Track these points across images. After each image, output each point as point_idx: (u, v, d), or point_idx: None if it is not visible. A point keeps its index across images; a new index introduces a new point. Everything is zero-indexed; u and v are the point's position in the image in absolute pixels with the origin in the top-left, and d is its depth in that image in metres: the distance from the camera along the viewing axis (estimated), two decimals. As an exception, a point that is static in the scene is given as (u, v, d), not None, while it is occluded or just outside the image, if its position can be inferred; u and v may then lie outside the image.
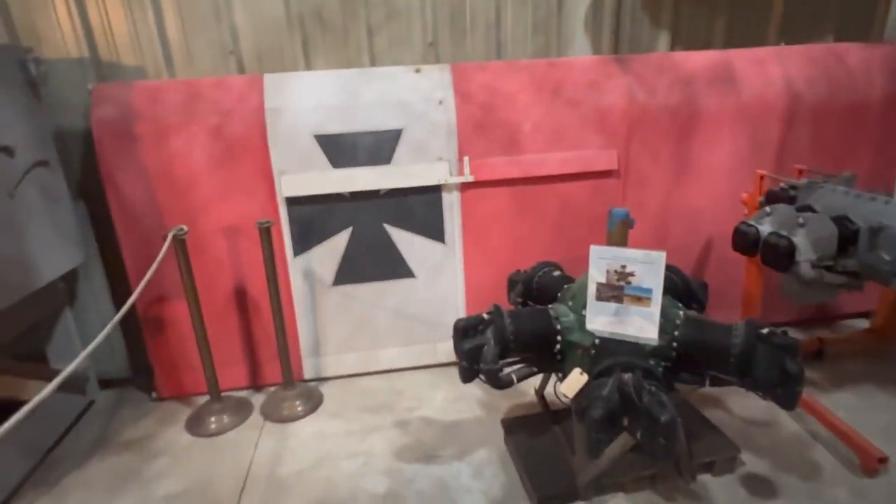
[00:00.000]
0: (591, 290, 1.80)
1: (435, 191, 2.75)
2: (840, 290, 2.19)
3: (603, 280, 1.78)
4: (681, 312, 1.92)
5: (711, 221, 3.01)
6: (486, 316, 2.00)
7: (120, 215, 2.55)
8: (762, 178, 2.48)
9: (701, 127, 2.88)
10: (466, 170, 2.71)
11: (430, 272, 2.88)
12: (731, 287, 2.99)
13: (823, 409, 2.32)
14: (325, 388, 2.89)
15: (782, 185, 2.36)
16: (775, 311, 3.23)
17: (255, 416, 2.68)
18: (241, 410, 2.69)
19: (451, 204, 2.78)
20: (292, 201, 2.65)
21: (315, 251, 2.75)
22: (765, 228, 2.12)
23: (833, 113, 2.94)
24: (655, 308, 1.72)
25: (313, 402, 2.73)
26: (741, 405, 2.54)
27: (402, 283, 2.87)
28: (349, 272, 2.81)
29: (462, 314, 2.92)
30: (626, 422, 1.59)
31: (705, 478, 2.11)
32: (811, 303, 2.29)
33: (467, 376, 1.96)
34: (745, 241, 2.16)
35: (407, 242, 2.81)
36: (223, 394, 2.76)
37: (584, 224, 2.92)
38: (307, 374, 2.93)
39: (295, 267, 2.75)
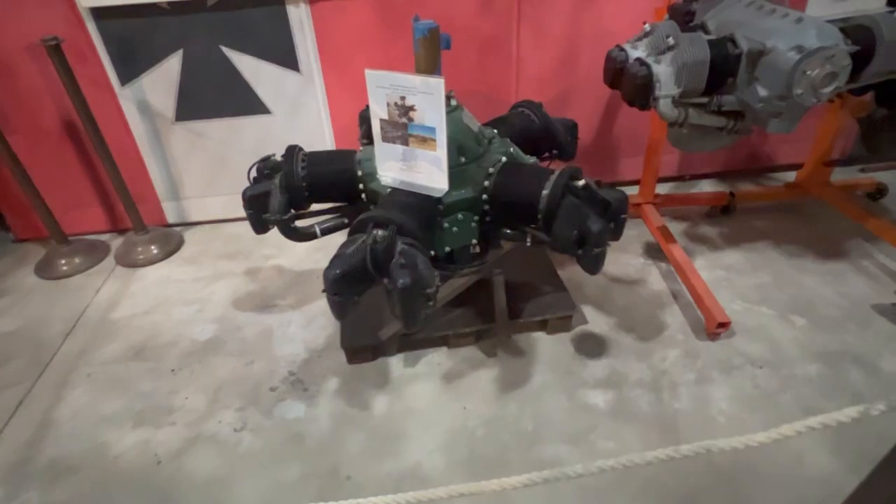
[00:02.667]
0: (375, 128, 1.47)
1: (278, 2, 2.24)
2: (731, 136, 1.82)
3: (385, 116, 1.43)
4: (502, 158, 1.60)
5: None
6: (279, 158, 1.70)
7: None
8: (671, -14, 1.93)
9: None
10: (312, -26, 2.17)
11: (288, 107, 2.50)
12: (641, 133, 2.59)
13: (690, 269, 2.11)
14: (190, 234, 2.74)
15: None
16: (696, 161, 2.87)
17: (109, 261, 2.57)
18: (94, 254, 2.57)
19: (301, 20, 2.29)
20: (99, 14, 2.18)
21: (145, 80, 2.35)
22: (636, 53, 1.67)
23: None
24: (441, 152, 1.40)
25: (170, 247, 2.60)
26: (614, 261, 2.35)
27: (257, 121, 2.52)
28: (192, 106, 2.44)
29: (331, 157, 2.61)
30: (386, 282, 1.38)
31: (538, 335, 1.99)
32: (700, 151, 1.93)
33: (256, 226, 1.73)
34: (611, 71, 1.73)
35: (253, 70, 2.39)
36: (76, 237, 2.63)
37: (473, 47, 2.43)
38: (170, 219, 2.76)
39: (126, 98, 2.39)
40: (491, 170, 1.56)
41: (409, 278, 1.23)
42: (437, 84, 1.28)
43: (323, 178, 1.67)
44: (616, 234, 1.50)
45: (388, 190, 1.56)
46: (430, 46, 1.46)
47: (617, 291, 2.20)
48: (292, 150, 1.68)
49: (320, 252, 2.52)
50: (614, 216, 1.46)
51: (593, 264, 1.45)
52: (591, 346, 1.94)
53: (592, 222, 1.39)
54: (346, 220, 1.82)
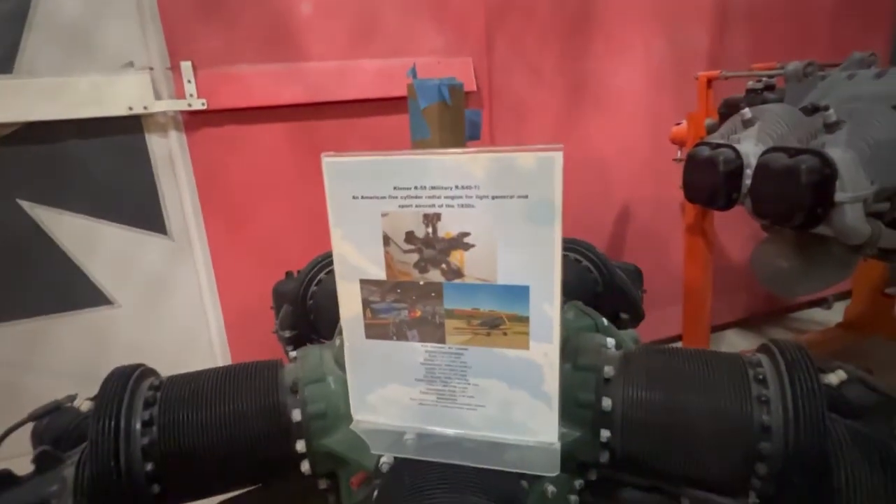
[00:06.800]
0: (349, 304, 0.56)
1: (131, 129, 1.40)
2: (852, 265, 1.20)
3: (379, 269, 0.54)
4: (609, 344, 0.76)
5: (626, 176, 1.97)
6: (86, 407, 0.70)
7: None
8: (708, 82, 1.44)
9: (598, 24, 1.82)
10: (190, 87, 1.40)
11: (147, 293, 1.51)
12: (659, 275, 1.96)
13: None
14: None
15: (751, 84, 1.31)
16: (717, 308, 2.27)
17: None
18: None
19: (171, 157, 1.45)
20: None
21: None
22: (749, 146, 1.04)
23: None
24: (550, 347, 0.52)
25: None
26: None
27: (87, 318, 1.47)
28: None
29: (221, 365, 1.57)
30: None
31: None
32: (807, 292, 1.27)
33: None
34: (713, 176, 1.07)
35: (83, 236, 1.43)
36: None
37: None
38: None
39: None
40: (609, 369, 0.69)
41: None
42: (549, 159, 0.45)
43: (201, 447, 0.67)
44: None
45: (384, 461, 0.60)
46: (449, 112, 0.67)
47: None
48: (123, 383, 0.68)
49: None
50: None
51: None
52: None
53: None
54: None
